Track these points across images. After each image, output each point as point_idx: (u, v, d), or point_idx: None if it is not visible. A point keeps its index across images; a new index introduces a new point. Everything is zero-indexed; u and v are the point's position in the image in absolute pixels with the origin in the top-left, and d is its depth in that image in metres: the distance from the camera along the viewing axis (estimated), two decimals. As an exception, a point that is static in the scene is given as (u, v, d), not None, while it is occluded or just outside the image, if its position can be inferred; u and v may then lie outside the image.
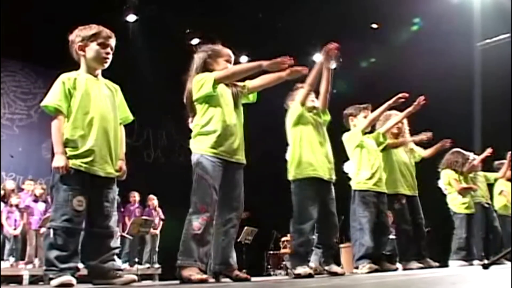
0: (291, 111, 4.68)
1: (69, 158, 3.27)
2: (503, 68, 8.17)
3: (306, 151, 4.54)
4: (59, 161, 3.24)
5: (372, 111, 5.52)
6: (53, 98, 3.33)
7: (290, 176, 4.58)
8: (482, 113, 9.68)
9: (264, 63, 3.64)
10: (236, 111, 3.83)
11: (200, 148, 3.66)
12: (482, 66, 9.29)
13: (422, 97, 5.54)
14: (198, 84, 3.70)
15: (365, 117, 5.49)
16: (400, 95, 5.29)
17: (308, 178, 4.48)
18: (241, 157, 3.79)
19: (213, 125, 3.68)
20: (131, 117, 3.72)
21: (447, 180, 6.99)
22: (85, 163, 3.29)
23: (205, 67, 3.83)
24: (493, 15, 9.22)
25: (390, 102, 5.32)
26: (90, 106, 3.37)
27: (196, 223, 3.49)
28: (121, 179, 3.55)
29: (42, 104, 3.36)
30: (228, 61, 3.88)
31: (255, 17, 10.83)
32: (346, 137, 5.53)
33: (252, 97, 4.01)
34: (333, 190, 4.62)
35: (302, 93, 4.58)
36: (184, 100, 3.83)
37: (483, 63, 9.18)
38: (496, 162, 8.16)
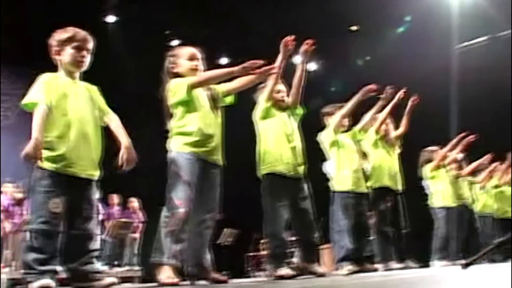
0: (258, 106, 4.63)
1: (47, 160, 3.19)
2: (482, 70, 8.26)
3: (271, 146, 4.47)
4: (32, 149, 3.08)
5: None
6: (36, 94, 3.26)
7: (258, 173, 4.52)
8: (460, 114, 9.79)
9: (235, 69, 3.68)
10: (214, 113, 3.86)
11: (177, 146, 3.68)
12: (460, 68, 9.39)
13: (397, 90, 5.57)
14: (172, 91, 3.75)
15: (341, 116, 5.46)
16: (367, 87, 5.26)
17: (274, 174, 4.40)
18: (218, 158, 3.80)
19: (191, 127, 3.70)
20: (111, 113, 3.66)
21: (429, 173, 7.06)
22: (63, 165, 3.23)
23: (170, 71, 3.89)
24: (472, 18, 9.34)
25: (358, 95, 5.26)
26: (68, 109, 3.32)
27: (172, 219, 3.47)
28: (129, 167, 3.48)
29: (24, 101, 3.28)
30: (191, 59, 3.90)
31: (237, 19, 10.82)
32: (320, 136, 5.51)
33: (229, 100, 4.04)
34: (305, 187, 4.52)
35: (267, 88, 4.54)
36: (164, 107, 3.86)
37: (462, 66, 9.28)
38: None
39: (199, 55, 3.95)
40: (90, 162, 3.37)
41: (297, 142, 4.61)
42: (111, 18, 10.79)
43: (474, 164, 7.61)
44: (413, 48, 10.52)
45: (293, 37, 4.30)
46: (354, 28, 11.50)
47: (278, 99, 4.63)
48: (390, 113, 5.90)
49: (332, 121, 5.47)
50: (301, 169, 4.54)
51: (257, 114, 4.62)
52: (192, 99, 3.74)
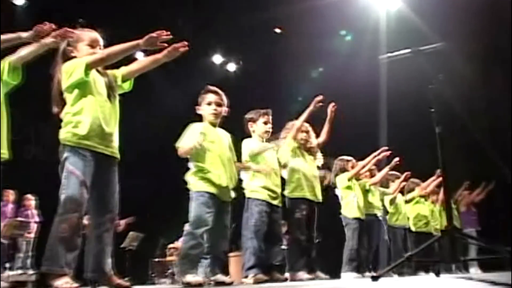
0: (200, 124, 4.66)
1: None
2: (407, 82, 8.63)
3: (209, 166, 4.53)
4: None
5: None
6: None
7: (191, 187, 4.56)
8: (388, 124, 10.18)
9: (140, 42, 3.52)
10: (111, 102, 3.71)
11: (70, 139, 3.53)
12: (387, 80, 9.77)
13: (319, 97, 5.68)
14: (68, 71, 3.57)
15: (264, 122, 5.52)
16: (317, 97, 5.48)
17: (209, 192, 4.49)
18: (115, 151, 3.68)
19: (85, 114, 3.55)
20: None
21: (345, 183, 7.13)
22: None
23: (67, 55, 3.70)
24: (399, 31, 9.75)
25: (306, 112, 5.46)
26: None
27: (64, 224, 3.34)
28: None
29: None
30: (92, 46, 3.73)
31: (155, 12, 10.71)
32: (243, 144, 5.51)
33: (127, 86, 3.89)
34: (229, 205, 4.67)
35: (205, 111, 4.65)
36: (52, 92, 3.67)
37: (388, 77, 9.67)
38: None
39: (101, 41, 3.80)
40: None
41: (232, 159, 4.79)
42: (19, 1, 10.44)
43: (382, 173, 7.79)
44: (342, 58, 10.84)
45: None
46: (278, 30, 11.65)
47: (211, 113, 4.71)
48: (307, 121, 5.96)
49: (258, 129, 5.52)
50: (231, 191, 4.68)
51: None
52: (89, 83, 3.59)
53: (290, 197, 5.82)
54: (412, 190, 8.71)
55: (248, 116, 5.64)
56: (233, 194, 4.71)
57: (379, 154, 7.24)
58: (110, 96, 3.71)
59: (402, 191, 8.51)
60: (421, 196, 8.73)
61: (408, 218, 8.46)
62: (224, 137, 4.79)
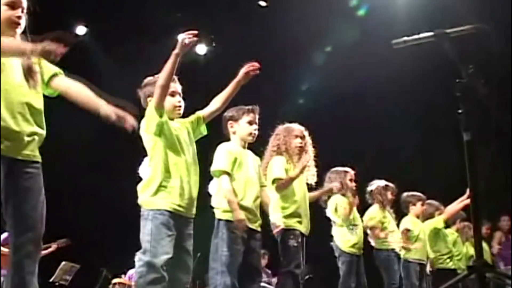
0: (150, 116, 4.57)
1: None
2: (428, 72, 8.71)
3: (169, 176, 4.52)
4: None
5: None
6: None
7: (143, 202, 4.55)
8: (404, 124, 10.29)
9: (29, 48, 3.43)
10: (31, 87, 3.64)
11: None
12: (402, 69, 9.88)
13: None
14: None
15: (249, 122, 5.50)
16: None
17: (166, 210, 4.46)
18: (31, 153, 3.61)
19: None
20: None
21: (335, 207, 7.17)
22: None
23: None
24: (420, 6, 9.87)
25: None
26: None
27: None
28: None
29: None
30: (12, 6, 3.62)
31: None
32: (218, 149, 5.51)
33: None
34: (192, 224, 4.65)
35: (156, 94, 4.50)
36: None
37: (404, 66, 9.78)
38: (405, 194, 8.58)
39: (24, 2, 3.68)
40: None
41: (197, 170, 4.76)
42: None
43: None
44: (347, 40, 10.94)
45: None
46: (263, 3, 11.65)
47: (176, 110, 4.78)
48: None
49: (242, 129, 5.53)
50: (194, 207, 4.67)
51: (149, 127, 4.60)
52: None
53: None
54: (431, 216, 8.73)
55: (228, 113, 5.59)
56: (193, 211, 4.68)
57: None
58: (28, 80, 3.63)
59: (417, 216, 8.56)
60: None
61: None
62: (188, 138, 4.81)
